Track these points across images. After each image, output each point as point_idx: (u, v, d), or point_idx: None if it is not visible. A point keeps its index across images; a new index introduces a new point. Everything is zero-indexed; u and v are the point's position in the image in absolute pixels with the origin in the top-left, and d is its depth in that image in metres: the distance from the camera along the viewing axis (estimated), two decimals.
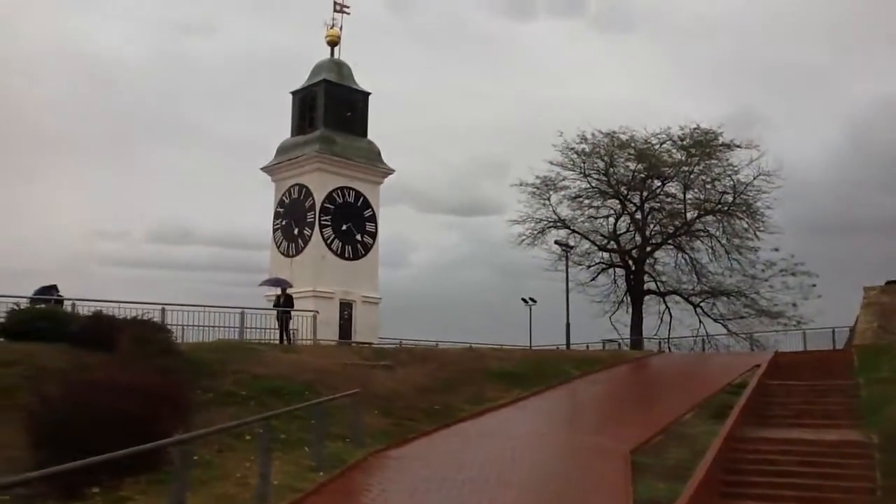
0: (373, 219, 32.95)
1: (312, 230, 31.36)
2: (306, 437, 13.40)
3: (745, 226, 37.32)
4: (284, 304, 25.72)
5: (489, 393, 19.40)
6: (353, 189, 32.57)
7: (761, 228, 36.93)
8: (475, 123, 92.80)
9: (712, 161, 37.50)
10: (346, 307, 31.17)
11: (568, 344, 34.27)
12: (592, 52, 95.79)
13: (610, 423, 17.26)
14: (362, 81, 34.88)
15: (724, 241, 37.64)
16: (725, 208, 37.42)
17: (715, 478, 12.25)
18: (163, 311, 20.89)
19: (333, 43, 34.59)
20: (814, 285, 35.13)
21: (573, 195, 38.84)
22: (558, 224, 38.82)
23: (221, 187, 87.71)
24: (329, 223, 31.59)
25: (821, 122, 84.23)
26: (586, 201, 39.03)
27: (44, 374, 13.76)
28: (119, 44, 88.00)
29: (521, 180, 38.91)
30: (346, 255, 31.88)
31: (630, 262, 38.48)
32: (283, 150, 33.83)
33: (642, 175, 38.15)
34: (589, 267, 39.19)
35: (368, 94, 34.82)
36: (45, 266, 71.15)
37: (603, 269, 39.27)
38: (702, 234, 38.31)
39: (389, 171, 34.04)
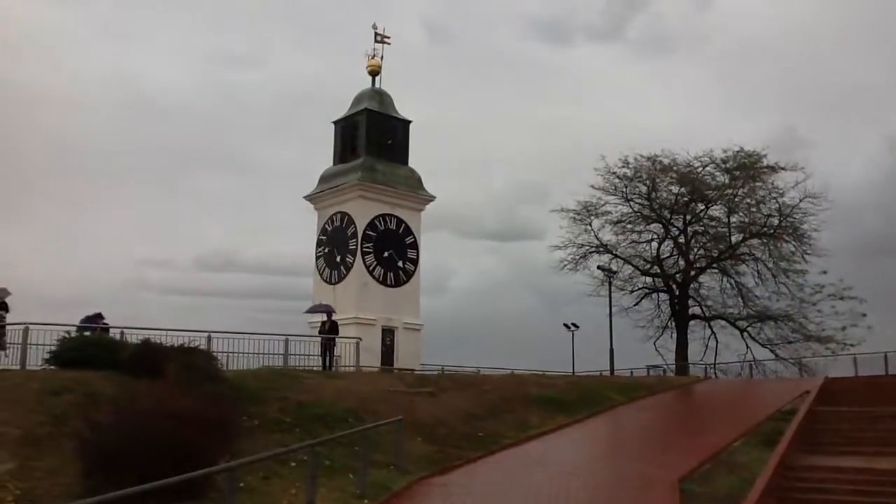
0: (414, 245, 33.11)
1: (354, 257, 31.61)
2: (351, 464, 13.44)
3: (792, 249, 36.69)
4: (330, 331, 25.83)
5: (533, 420, 19.26)
6: (395, 216, 32.82)
7: (808, 251, 36.28)
8: (515, 149, 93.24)
9: (757, 184, 36.99)
10: (387, 334, 31.26)
11: (612, 370, 33.90)
12: (632, 76, 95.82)
13: (656, 450, 16.98)
14: (403, 110, 35.32)
15: (770, 265, 37.03)
16: (771, 231, 36.82)
17: None
18: (209, 338, 21.09)
19: (374, 72, 35.11)
20: (864, 314, 34.29)
21: (615, 220, 38.63)
22: (600, 249, 38.60)
23: (266, 216, 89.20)
24: (371, 250, 31.82)
25: (867, 142, 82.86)
26: (629, 226, 38.78)
27: (94, 401, 14.03)
28: (166, 75, 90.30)
29: (561, 206, 38.88)
30: (388, 281, 32.04)
31: (674, 287, 38.03)
32: (325, 178, 34.25)
33: (685, 199, 37.78)
34: (632, 292, 38.86)
35: (409, 121, 35.19)
36: (94, 294, 72.66)
37: (646, 294, 38.88)
38: (747, 257, 37.72)
39: (430, 198, 34.25)
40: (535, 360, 50.26)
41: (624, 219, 38.66)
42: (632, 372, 35.00)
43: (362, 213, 32.03)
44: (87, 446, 11.29)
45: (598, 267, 37.58)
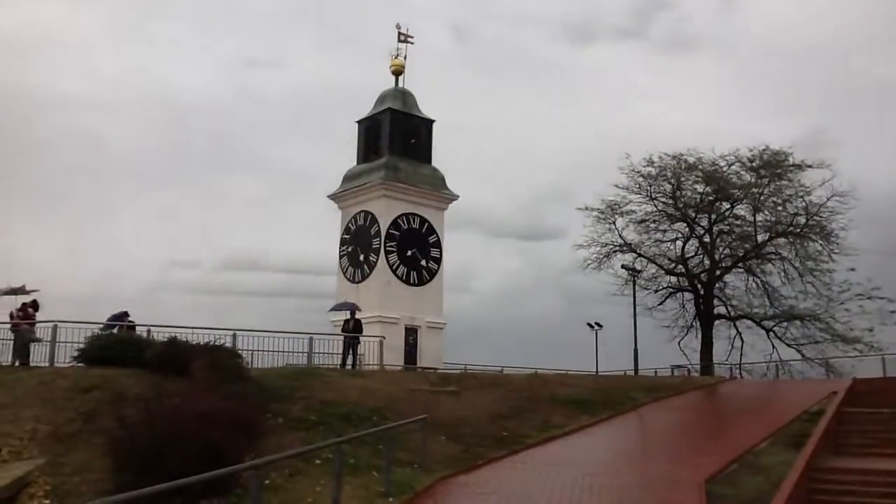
0: (437, 244, 33.15)
1: (378, 256, 31.71)
2: (375, 462, 13.49)
3: (819, 248, 36.20)
4: (354, 329, 25.91)
5: (556, 419, 19.21)
6: (418, 215, 32.89)
7: (836, 250, 35.77)
8: (538, 148, 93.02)
9: (783, 182, 36.52)
10: (410, 332, 31.35)
11: (636, 370, 33.70)
12: (656, 75, 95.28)
13: (682, 451, 16.83)
14: (426, 109, 35.38)
15: (796, 264, 36.55)
16: (798, 230, 36.35)
17: None
18: (234, 336, 21.26)
19: (398, 72, 35.20)
20: (894, 312, 33.79)
21: (639, 219, 38.34)
22: (624, 248, 38.30)
23: (290, 215, 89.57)
24: (394, 249, 31.90)
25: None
26: (653, 225, 38.43)
27: (122, 398, 14.22)
28: (191, 77, 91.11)
29: (585, 205, 38.61)
30: (411, 280, 32.11)
31: (699, 286, 37.68)
32: (349, 177, 34.39)
33: (710, 197, 37.41)
34: (656, 291, 38.48)
35: (432, 121, 35.24)
36: (121, 294, 73.43)
37: (671, 294, 38.53)
38: (773, 256, 37.25)
39: (453, 197, 34.27)
40: (558, 359, 50.25)
41: (648, 218, 38.35)
42: (656, 372, 34.75)
43: (386, 212, 32.13)
44: (118, 443, 11.44)
45: (623, 266, 37.30)
